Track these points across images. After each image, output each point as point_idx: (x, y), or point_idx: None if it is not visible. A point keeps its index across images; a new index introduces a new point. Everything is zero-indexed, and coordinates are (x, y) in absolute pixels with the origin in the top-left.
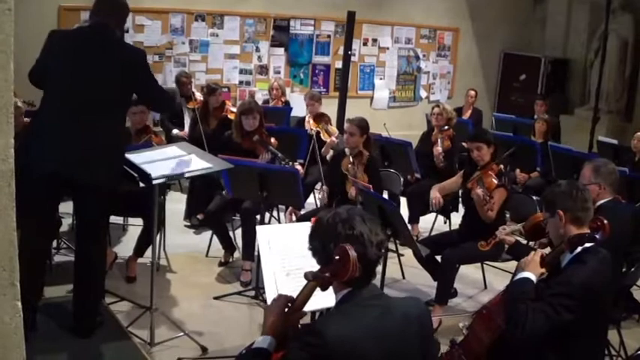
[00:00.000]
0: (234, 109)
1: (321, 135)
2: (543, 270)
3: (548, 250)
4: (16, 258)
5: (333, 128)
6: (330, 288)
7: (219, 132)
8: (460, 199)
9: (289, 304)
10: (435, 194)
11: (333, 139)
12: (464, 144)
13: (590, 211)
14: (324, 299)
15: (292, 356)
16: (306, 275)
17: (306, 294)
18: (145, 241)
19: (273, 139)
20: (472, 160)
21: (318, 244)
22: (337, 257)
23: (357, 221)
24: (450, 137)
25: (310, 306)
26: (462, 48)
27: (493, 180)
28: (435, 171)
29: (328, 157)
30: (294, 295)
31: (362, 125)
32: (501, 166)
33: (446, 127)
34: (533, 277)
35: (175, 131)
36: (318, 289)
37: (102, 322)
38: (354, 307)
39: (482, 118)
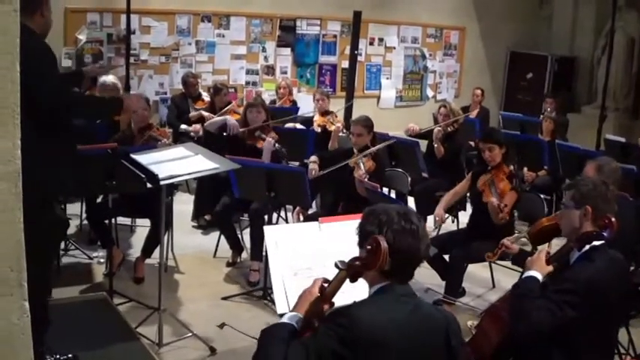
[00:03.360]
0: (240, 111)
1: (327, 127)
2: (550, 268)
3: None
4: (24, 258)
5: (338, 119)
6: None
7: (223, 132)
8: (468, 198)
9: (322, 290)
10: (439, 212)
11: (339, 125)
12: (471, 143)
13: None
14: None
15: (321, 335)
16: (336, 264)
17: (336, 284)
18: (152, 242)
19: (273, 133)
20: (481, 160)
21: (375, 229)
22: (369, 247)
23: (413, 216)
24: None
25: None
26: (468, 47)
27: (507, 185)
28: (441, 170)
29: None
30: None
31: (368, 124)
32: (512, 168)
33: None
34: (539, 276)
35: (184, 126)
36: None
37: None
38: (387, 300)
39: (490, 117)
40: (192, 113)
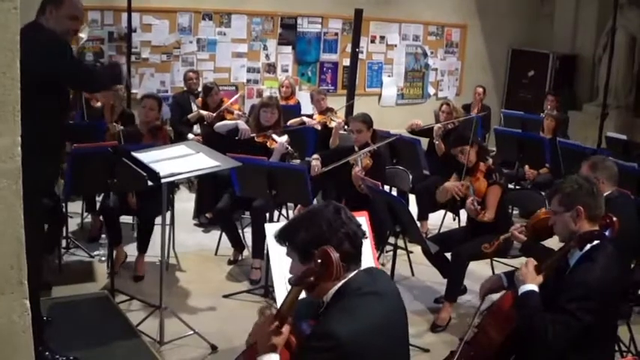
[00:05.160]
0: (233, 109)
1: (327, 123)
2: (541, 278)
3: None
4: (24, 256)
5: (338, 115)
6: None
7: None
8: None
9: (276, 318)
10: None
11: (339, 122)
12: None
13: (603, 209)
14: None
15: None
16: (289, 281)
17: (292, 299)
18: (142, 237)
19: (285, 136)
20: (459, 164)
21: (312, 236)
22: (320, 260)
23: (336, 204)
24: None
25: None
26: (469, 45)
27: (482, 185)
28: (443, 167)
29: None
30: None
31: (366, 120)
32: (490, 163)
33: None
34: (535, 287)
35: (191, 136)
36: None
37: None
38: (351, 300)
39: (491, 115)
40: (192, 114)
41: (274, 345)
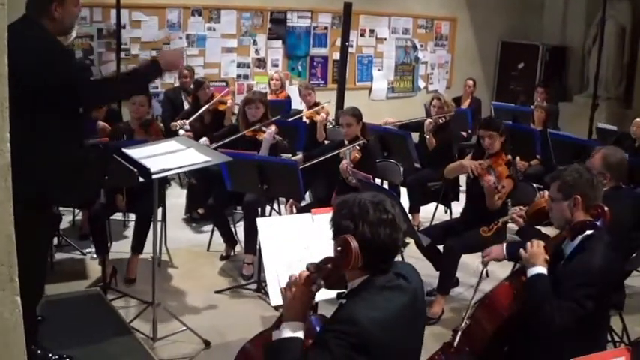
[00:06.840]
0: (225, 99)
1: (313, 118)
2: (548, 259)
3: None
4: (15, 253)
5: (325, 109)
6: None
7: (214, 125)
8: (465, 187)
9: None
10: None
11: (323, 115)
12: (463, 134)
13: (600, 200)
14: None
15: (334, 347)
16: (307, 268)
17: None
18: (140, 237)
19: (273, 127)
20: (480, 148)
21: (351, 224)
22: (339, 248)
23: (388, 205)
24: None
25: (320, 296)
26: (459, 37)
27: (504, 171)
28: (434, 160)
29: (327, 142)
30: None
31: (356, 114)
32: (510, 157)
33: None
34: (544, 270)
35: (182, 132)
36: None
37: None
38: (373, 292)
39: (481, 107)
40: (173, 123)
41: (300, 308)
